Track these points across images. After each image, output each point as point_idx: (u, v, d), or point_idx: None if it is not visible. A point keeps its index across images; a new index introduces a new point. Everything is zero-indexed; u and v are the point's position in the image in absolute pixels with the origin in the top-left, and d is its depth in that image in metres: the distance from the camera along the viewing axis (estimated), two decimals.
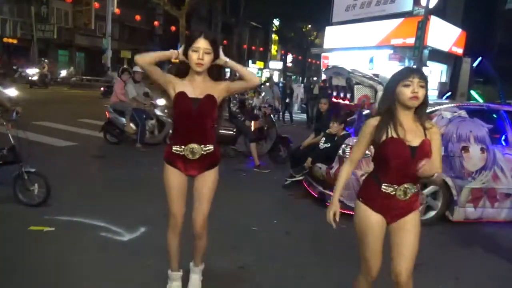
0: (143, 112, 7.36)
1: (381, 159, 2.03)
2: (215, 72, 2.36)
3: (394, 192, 2.03)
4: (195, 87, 2.31)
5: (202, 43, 2.19)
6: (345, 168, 2.19)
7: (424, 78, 1.97)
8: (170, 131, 7.35)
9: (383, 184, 2.04)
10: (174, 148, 2.34)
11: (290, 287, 2.93)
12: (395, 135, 1.97)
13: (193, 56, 2.20)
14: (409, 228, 2.08)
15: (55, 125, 8.88)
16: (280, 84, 18.02)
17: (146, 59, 2.23)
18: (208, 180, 2.42)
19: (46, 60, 20.63)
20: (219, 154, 2.48)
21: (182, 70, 2.33)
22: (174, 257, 2.55)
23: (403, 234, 2.08)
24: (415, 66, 10.99)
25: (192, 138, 2.31)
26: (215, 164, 2.44)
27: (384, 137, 1.99)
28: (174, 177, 2.37)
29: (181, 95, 2.28)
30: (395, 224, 2.11)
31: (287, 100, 14.77)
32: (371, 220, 2.08)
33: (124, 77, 7.66)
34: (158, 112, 7.60)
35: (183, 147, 2.31)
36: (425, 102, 2.00)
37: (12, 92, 7.65)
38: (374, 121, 2.05)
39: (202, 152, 2.33)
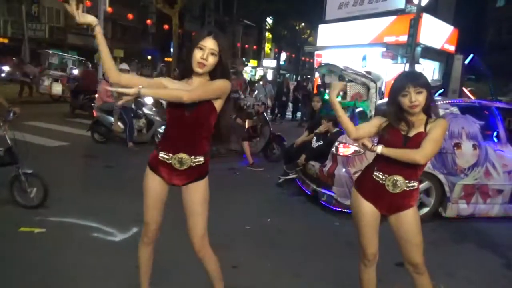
0: (131, 111, 7.31)
1: (379, 143, 2.13)
2: (219, 75, 2.06)
3: (383, 182, 2.11)
4: None
5: (209, 43, 1.96)
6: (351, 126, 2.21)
7: (420, 84, 2.01)
8: (160, 130, 7.32)
9: (375, 172, 2.15)
10: (161, 154, 2.08)
11: (285, 286, 2.91)
12: (395, 125, 2.10)
13: (197, 55, 1.97)
14: (410, 220, 2.14)
15: (45, 125, 8.80)
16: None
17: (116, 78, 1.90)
18: (197, 196, 2.16)
19: None
20: (208, 166, 2.19)
21: (188, 69, 2.05)
22: (144, 275, 2.35)
23: (407, 227, 2.14)
24: (406, 68, 11.05)
25: (182, 147, 2.06)
26: (203, 176, 2.17)
27: (385, 125, 2.16)
28: (154, 185, 2.14)
29: None
30: (393, 217, 2.17)
31: (284, 99, 14.75)
32: (363, 206, 2.19)
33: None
34: (146, 110, 7.56)
35: (171, 155, 2.06)
36: (429, 103, 2.07)
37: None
38: (382, 120, 2.19)
39: (191, 163, 2.08)
